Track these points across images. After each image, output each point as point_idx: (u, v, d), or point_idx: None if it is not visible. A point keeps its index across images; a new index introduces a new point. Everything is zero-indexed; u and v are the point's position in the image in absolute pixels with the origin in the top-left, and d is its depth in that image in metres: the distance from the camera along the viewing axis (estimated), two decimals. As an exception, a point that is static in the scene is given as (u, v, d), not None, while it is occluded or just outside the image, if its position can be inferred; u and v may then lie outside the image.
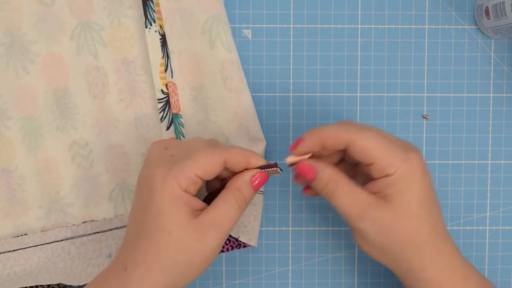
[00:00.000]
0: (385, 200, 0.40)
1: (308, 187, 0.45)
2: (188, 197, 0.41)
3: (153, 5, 0.50)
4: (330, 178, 0.41)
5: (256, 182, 0.42)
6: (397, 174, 0.39)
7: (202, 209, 0.42)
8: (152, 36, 0.50)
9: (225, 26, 0.50)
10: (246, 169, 0.43)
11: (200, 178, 0.41)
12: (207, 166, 0.41)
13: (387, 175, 0.40)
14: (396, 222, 0.40)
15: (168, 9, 0.51)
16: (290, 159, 0.42)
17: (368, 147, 0.40)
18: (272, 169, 0.43)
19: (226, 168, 0.43)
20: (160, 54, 0.50)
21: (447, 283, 0.42)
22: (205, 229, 0.40)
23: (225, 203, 0.41)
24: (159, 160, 0.42)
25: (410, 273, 0.42)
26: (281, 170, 0.43)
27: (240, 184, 0.42)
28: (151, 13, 0.50)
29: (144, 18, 0.50)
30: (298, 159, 0.42)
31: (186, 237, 0.40)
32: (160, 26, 0.50)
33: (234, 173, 0.43)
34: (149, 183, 0.41)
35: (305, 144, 0.41)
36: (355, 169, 0.45)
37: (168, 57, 0.50)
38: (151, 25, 0.50)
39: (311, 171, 0.41)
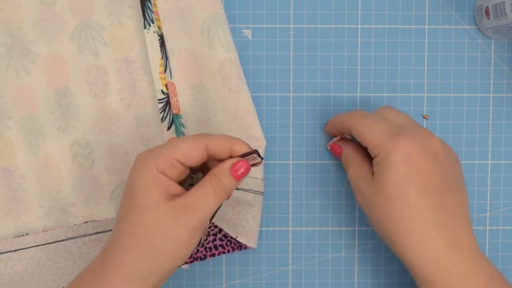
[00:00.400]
0: (373, 177, 0.44)
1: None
2: (165, 179, 0.41)
3: (151, 5, 0.50)
4: (348, 154, 0.48)
5: (239, 172, 0.42)
6: (380, 156, 0.43)
7: (180, 195, 0.41)
8: (151, 37, 0.50)
9: (224, 25, 0.50)
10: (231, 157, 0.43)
11: (181, 163, 0.41)
12: (187, 150, 0.41)
13: (375, 156, 0.44)
14: (376, 197, 0.44)
15: (167, 10, 0.51)
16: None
17: (362, 133, 0.45)
18: (252, 155, 0.42)
19: (210, 156, 0.42)
20: (159, 54, 0.50)
21: (421, 268, 0.43)
22: (177, 212, 0.40)
23: (200, 188, 0.41)
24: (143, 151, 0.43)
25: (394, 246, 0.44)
26: (261, 158, 0.42)
27: (219, 171, 0.42)
28: (149, 14, 0.50)
29: (142, 19, 0.50)
30: (333, 140, 0.51)
31: (158, 217, 0.40)
32: (158, 27, 0.50)
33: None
34: (132, 170, 0.42)
35: (326, 128, 0.52)
36: None
37: (166, 57, 0.50)
38: (149, 25, 0.50)
39: (338, 149, 0.50)
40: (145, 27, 0.50)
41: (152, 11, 0.50)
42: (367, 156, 0.47)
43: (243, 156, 0.42)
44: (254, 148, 0.43)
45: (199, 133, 0.43)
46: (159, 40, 0.50)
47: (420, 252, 0.42)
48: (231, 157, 0.42)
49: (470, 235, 0.43)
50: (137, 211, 0.40)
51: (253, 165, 0.42)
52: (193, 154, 0.41)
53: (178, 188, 0.42)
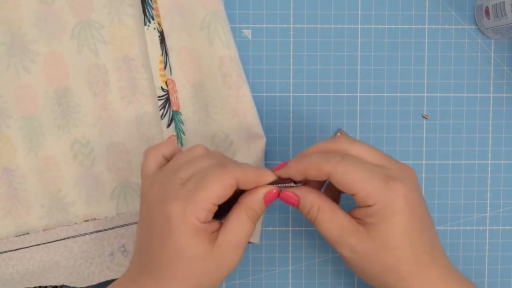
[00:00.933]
0: (366, 228, 0.40)
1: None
2: (206, 227, 0.40)
3: (152, 2, 0.50)
4: (312, 203, 0.41)
5: (271, 200, 0.42)
6: (377, 205, 0.39)
7: (218, 229, 0.41)
8: (151, 34, 0.50)
9: (223, 22, 0.50)
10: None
11: (215, 205, 0.41)
12: (221, 192, 0.40)
13: (368, 206, 0.40)
14: (374, 251, 0.40)
15: (166, 7, 0.51)
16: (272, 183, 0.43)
17: (348, 179, 0.40)
18: (287, 184, 0.42)
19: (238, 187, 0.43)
20: (159, 51, 0.50)
21: None
22: (225, 253, 0.41)
23: (239, 223, 0.41)
24: (171, 192, 0.41)
25: None
26: (295, 183, 0.42)
27: (253, 204, 0.42)
28: (150, 11, 0.50)
29: (143, 16, 0.50)
30: (283, 186, 0.43)
31: (207, 265, 0.40)
32: (159, 23, 0.50)
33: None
34: (167, 218, 0.40)
35: (286, 171, 0.42)
36: None
37: (167, 54, 0.50)
38: (149, 22, 0.50)
39: (293, 198, 0.42)
40: (145, 24, 0.50)
41: (153, 8, 0.50)
42: (334, 201, 0.42)
43: (277, 182, 0.42)
44: (260, 149, 0.43)
45: (222, 162, 0.42)
46: (159, 36, 0.50)
47: None
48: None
49: (444, 255, 0.43)
50: (185, 265, 0.40)
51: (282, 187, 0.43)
52: (226, 193, 0.41)
53: (216, 225, 0.42)
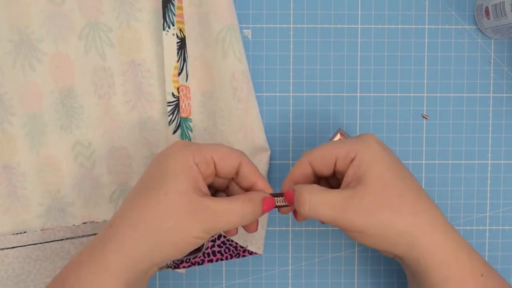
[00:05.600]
0: (360, 184, 0.41)
1: (295, 213, 0.45)
2: (198, 172, 0.41)
3: (174, 8, 0.50)
4: (301, 190, 0.42)
5: (267, 206, 0.42)
6: (360, 154, 0.42)
7: (208, 195, 0.42)
8: (169, 39, 0.50)
9: (238, 36, 0.50)
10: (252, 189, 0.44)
11: (215, 164, 0.42)
12: (225, 154, 0.42)
13: (352, 160, 0.42)
14: (377, 196, 0.41)
15: (188, 14, 0.51)
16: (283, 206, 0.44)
17: (323, 153, 0.43)
18: (281, 198, 0.43)
19: (236, 176, 0.43)
20: (175, 57, 0.50)
21: (440, 250, 0.41)
22: (200, 208, 0.40)
23: (230, 201, 0.41)
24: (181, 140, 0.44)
25: (405, 245, 0.41)
26: (286, 205, 0.43)
27: (254, 197, 0.42)
28: (171, 16, 0.50)
29: (162, 21, 0.50)
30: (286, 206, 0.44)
31: (181, 205, 0.40)
32: (180, 30, 0.50)
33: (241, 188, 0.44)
34: (166, 152, 0.42)
35: (285, 194, 0.43)
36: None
37: (185, 60, 0.50)
38: (169, 28, 0.50)
39: (289, 193, 0.43)
40: (164, 29, 0.50)
41: (174, 14, 0.50)
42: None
43: (274, 195, 0.43)
44: (264, 162, 0.45)
45: (238, 149, 0.44)
46: (178, 43, 0.50)
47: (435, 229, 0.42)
48: (250, 189, 0.44)
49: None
50: (162, 193, 0.40)
51: (278, 206, 0.44)
52: (229, 161, 0.42)
53: (205, 187, 0.42)
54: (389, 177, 0.41)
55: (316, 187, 0.42)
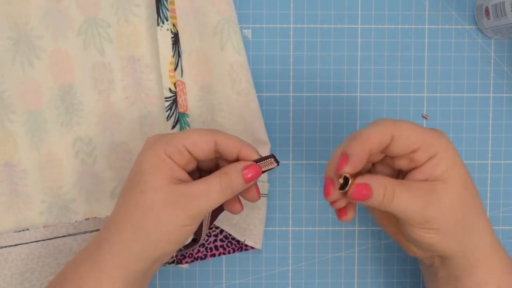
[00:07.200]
0: (439, 182, 0.40)
1: (344, 211, 0.42)
2: (171, 163, 0.41)
3: (167, 3, 0.50)
4: (385, 186, 0.39)
5: (249, 175, 0.41)
6: (442, 151, 0.40)
7: (186, 182, 0.41)
8: (164, 35, 0.50)
9: (236, 28, 0.50)
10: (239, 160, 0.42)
11: (188, 151, 0.41)
12: (196, 139, 0.41)
13: (432, 156, 0.40)
14: (460, 195, 0.40)
15: (182, 8, 0.51)
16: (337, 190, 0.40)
17: (411, 134, 0.39)
18: (267, 160, 0.42)
19: (219, 154, 0.42)
20: (170, 52, 0.50)
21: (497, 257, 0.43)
22: (176, 197, 0.40)
23: (206, 180, 0.41)
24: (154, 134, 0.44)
25: (469, 244, 0.42)
26: (277, 162, 0.42)
27: (230, 169, 0.41)
28: (164, 11, 0.50)
29: (156, 16, 0.50)
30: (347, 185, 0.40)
31: (156, 200, 0.40)
32: (173, 25, 0.50)
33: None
34: (140, 152, 0.42)
35: (354, 159, 0.39)
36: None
37: (179, 55, 0.50)
38: (163, 23, 0.50)
39: (366, 187, 0.39)
40: (158, 24, 0.50)
41: (168, 9, 0.50)
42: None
43: (259, 160, 0.42)
44: (264, 155, 0.42)
45: (213, 128, 0.43)
46: (172, 38, 0.50)
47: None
48: (238, 159, 0.42)
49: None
50: (138, 192, 0.40)
51: (265, 170, 0.42)
52: (202, 145, 0.41)
53: (184, 174, 0.42)
54: (468, 179, 0.41)
55: (394, 180, 0.40)
